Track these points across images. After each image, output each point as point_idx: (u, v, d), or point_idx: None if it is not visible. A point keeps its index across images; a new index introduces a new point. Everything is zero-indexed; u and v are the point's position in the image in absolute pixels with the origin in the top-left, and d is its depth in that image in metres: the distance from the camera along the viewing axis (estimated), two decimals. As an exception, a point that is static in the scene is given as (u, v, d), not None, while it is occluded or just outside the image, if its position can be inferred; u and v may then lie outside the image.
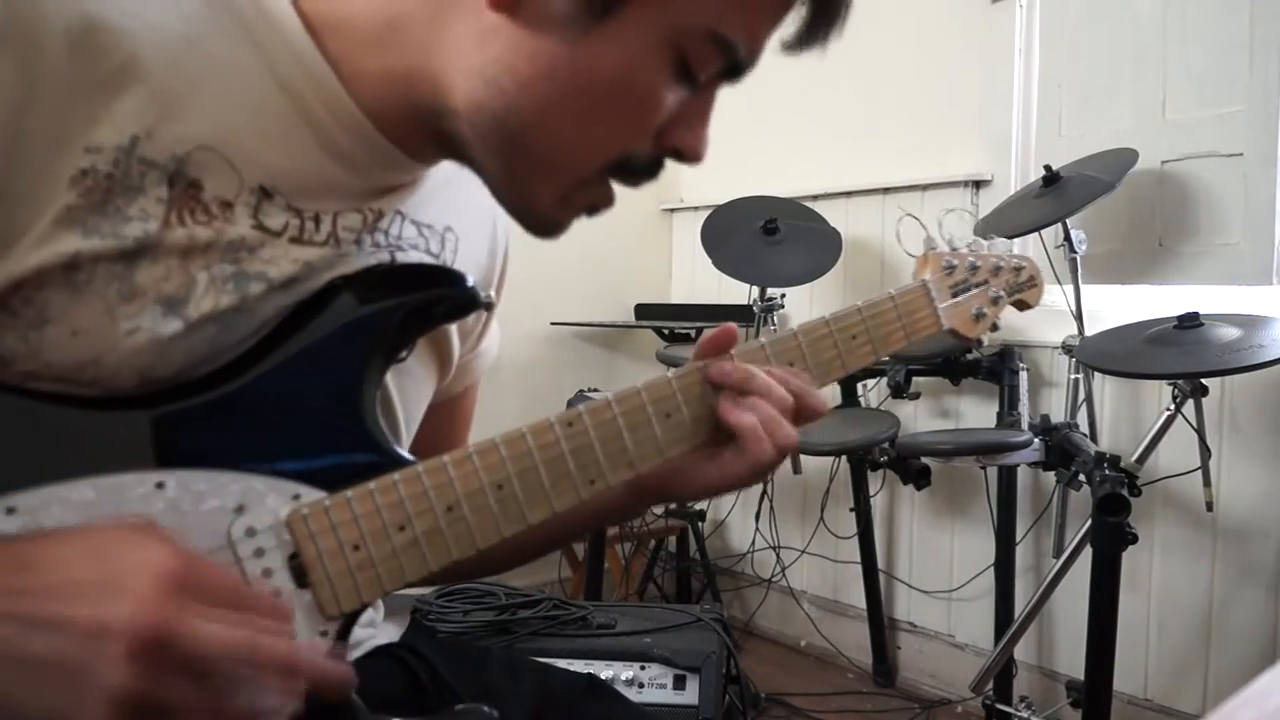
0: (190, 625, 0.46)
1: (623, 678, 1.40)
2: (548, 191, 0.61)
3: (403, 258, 0.67)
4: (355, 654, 0.75)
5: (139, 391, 0.56)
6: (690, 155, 0.61)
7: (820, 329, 0.72)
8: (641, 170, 0.62)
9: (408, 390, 0.71)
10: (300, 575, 0.56)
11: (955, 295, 0.79)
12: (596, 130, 0.58)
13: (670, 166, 0.63)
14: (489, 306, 0.64)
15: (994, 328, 0.82)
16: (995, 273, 0.81)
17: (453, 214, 0.72)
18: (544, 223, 0.63)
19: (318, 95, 0.58)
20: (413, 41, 0.58)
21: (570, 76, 0.55)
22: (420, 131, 0.61)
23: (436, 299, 0.63)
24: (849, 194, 2.62)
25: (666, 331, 2.76)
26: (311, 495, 0.57)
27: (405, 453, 0.61)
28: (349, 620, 0.58)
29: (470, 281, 0.64)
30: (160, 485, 0.54)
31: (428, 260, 0.69)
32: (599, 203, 0.63)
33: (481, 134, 0.58)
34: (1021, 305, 0.84)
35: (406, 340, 0.64)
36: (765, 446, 0.65)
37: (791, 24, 0.59)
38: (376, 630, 0.80)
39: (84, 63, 0.51)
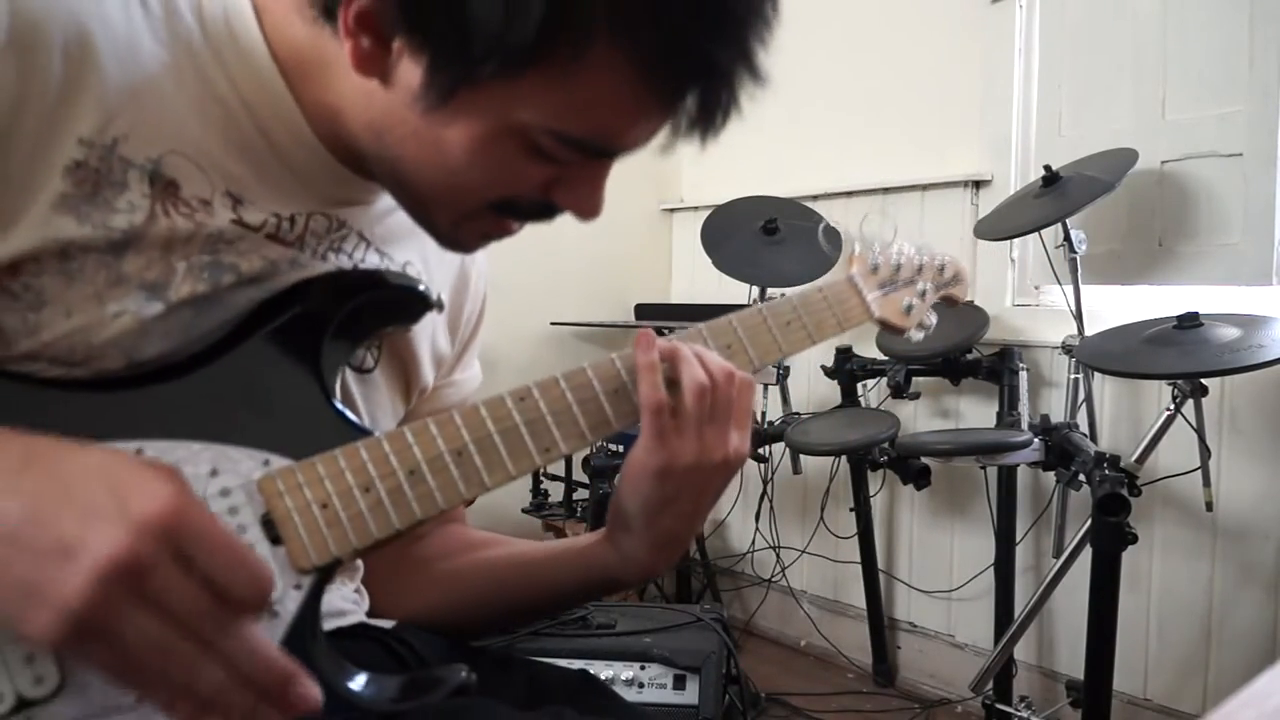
0: (161, 572, 0.47)
1: (623, 678, 1.40)
2: (441, 220, 0.66)
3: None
4: (336, 624, 0.78)
5: (123, 374, 0.60)
6: (579, 216, 0.65)
7: (755, 317, 0.78)
8: (530, 213, 0.66)
9: (372, 399, 0.75)
10: (273, 533, 0.60)
11: (883, 289, 0.85)
12: (464, 186, 0.62)
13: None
14: (440, 308, 0.71)
15: (924, 324, 0.87)
16: (919, 270, 0.87)
17: (416, 253, 0.77)
18: (447, 243, 0.68)
19: (277, 117, 0.63)
20: (335, 84, 0.62)
21: (430, 144, 0.60)
22: (360, 158, 0.65)
23: (389, 301, 0.68)
24: (849, 194, 2.62)
25: (666, 331, 2.76)
26: (281, 462, 0.61)
27: (367, 425, 0.65)
28: (323, 575, 0.61)
29: (421, 287, 0.69)
30: (139, 452, 0.58)
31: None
32: (494, 233, 0.67)
33: (380, 173, 0.64)
34: (950, 301, 0.90)
35: (362, 336, 0.70)
36: (697, 372, 0.69)
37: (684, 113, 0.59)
38: (358, 607, 0.83)
39: (73, 70, 0.56)
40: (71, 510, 0.47)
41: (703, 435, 0.69)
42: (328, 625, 0.63)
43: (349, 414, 0.65)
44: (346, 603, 0.81)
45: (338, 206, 0.69)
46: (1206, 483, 1.69)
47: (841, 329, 0.82)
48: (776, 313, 0.78)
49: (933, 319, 0.88)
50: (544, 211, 0.65)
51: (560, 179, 0.62)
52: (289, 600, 0.60)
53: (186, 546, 0.48)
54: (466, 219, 0.65)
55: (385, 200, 0.72)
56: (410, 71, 0.57)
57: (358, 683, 0.63)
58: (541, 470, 2.24)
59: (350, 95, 0.62)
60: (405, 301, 0.69)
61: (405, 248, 0.76)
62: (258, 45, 0.62)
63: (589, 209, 0.64)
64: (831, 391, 2.40)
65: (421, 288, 0.69)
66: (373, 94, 0.60)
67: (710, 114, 0.59)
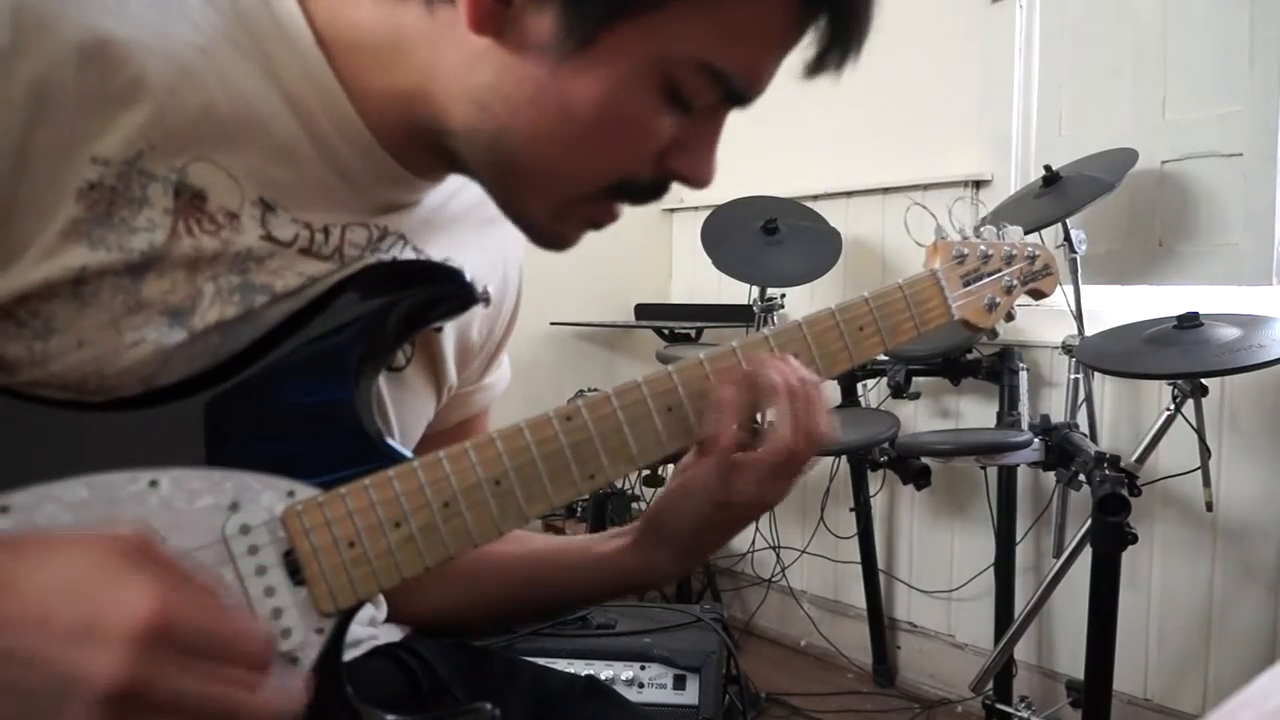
0: (164, 684, 0.45)
1: (623, 678, 1.39)
2: (541, 207, 0.61)
3: None
4: (355, 653, 0.75)
5: (138, 394, 0.56)
6: (694, 182, 0.61)
7: (826, 320, 0.69)
8: (643, 192, 0.61)
9: (403, 400, 0.71)
10: (295, 572, 0.56)
11: (966, 284, 0.76)
12: (586, 155, 0.57)
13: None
14: (486, 301, 0.65)
15: (1009, 317, 0.80)
16: (1008, 261, 0.79)
17: (457, 249, 0.71)
18: (543, 236, 0.63)
19: (324, 110, 0.58)
20: (414, 62, 0.58)
21: (556, 102, 0.55)
22: (424, 149, 0.61)
23: (432, 295, 0.63)
24: (849, 194, 2.62)
25: (666, 331, 2.76)
26: (306, 492, 0.56)
27: (402, 449, 0.60)
28: (345, 617, 0.58)
29: (468, 277, 0.63)
30: (154, 483, 0.54)
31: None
32: (600, 219, 0.63)
33: (477, 154, 0.59)
34: (1036, 294, 0.82)
35: (402, 337, 0.64)
36: (787, 434, 0.63)
37: (806, 50, 0.57)
38: (377, 630, 0.80)
39: (94, 77, 0.51)
40: (53, 640, 0.43)
41: (769, 483, 0.65)
42: (345, 656, 0.60)
43: (382, 436, 0.60)
44: (361, 627, 0.77)
45: (379, 214, 0.64)
46: (1206, 483, 1.69)
47: (917, 332, 0.73)
48: (850, 316, 0.70)
49: (1016, 311, 0.80)
50: (655, 190, 0.61)
51: (676, 142, 0.59)
52: (309, 647, 0.56)
53: (181, 641, 0.45)
54: (576, 203, 0.60)
55: (431, 199, 0.68)
56: (538, 22, 0.53)
57: None
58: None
59: (443, 67, 0.57)
60: (450, 295, 0.63)
61: (447, 240, 0.70)
62: (303, 33, 0.57)
63: (705, 172, 0.60)
64: (831, 391, 2.39)
65: (468, 277, 0.63)
66: (481, 59, 0.55)
67: (846, 35, 0.56)
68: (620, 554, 0.76)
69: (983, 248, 0.78)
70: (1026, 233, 0.84)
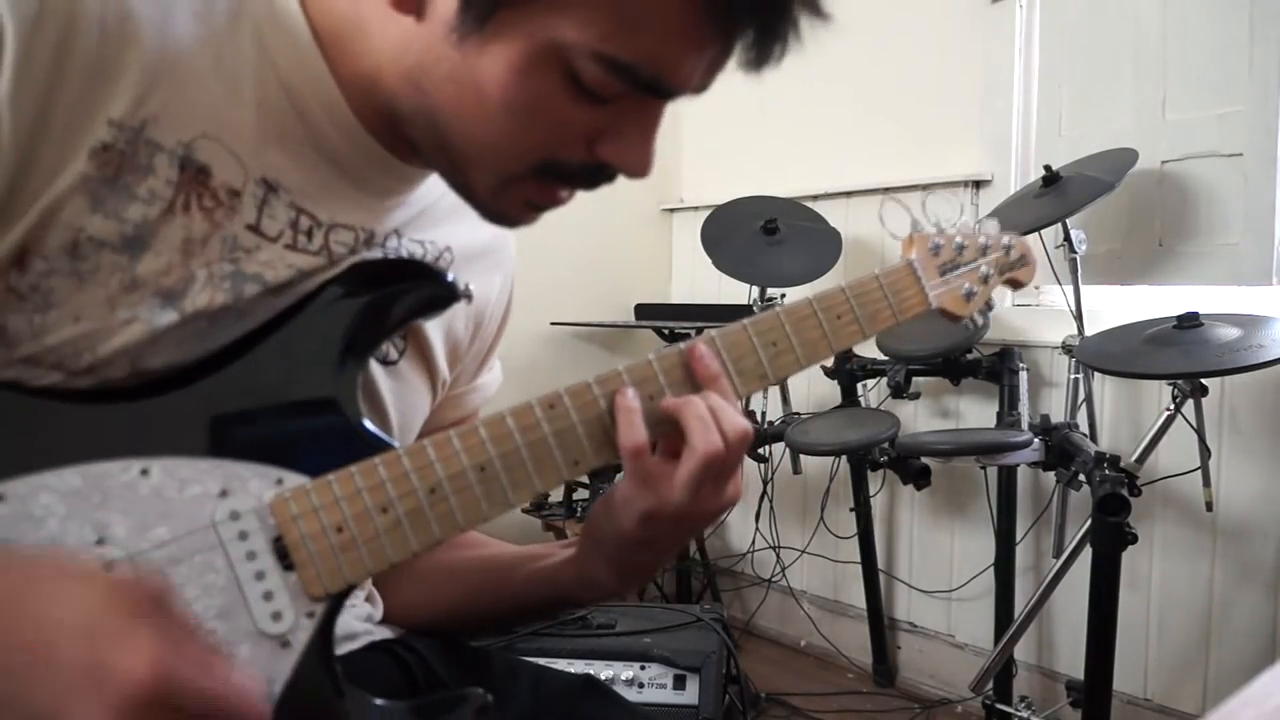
0: None
1: (623, 678, 1.40)
2: (480, 183, 0.61)
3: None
4: (352, 646, 0.76)
5: (127, 383, 0.58)
6: (627, 171, 0.60)
7: (804, 309, 0.70)
8: (578, 177, 0.61)
9: (400, 393, 0.72)
10: (284, 557, 0.57)
11: (943, 274, 0.78)
12: (504, 135, 0.58)
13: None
14: (468, 298, 0.66)
15: (988, 306, 0.81)
16: (983, 252, 0.80)
17: (454, 238, 0.73)
18: (489, 213, 0.64)
19: (315, 96, 0.60)
20: (372, 44, 0.60)
21: (468, 82, 0.56)
22: (398, 133, 0.62)
23: (413, 291, 0.64)
24: (849, 194, 2.62)
25: (666, 331, 2.76)
26: (294, 480, 0.58)
27: (387, 437, 0.62)
28: (336, 600, 0.59)
29: (449, 276, 0.65)
30: (145, 472, 0.55)
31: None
32: (539, 200, 0.63)
33: (421, 134, 0.60)
34: (1014, 284, 0.83)
35: (387, 332, 0.66)
36: (713, 435, 0.62)
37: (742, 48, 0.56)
38: (373, 626, 0.80)
39: (111, 47, 0.54)
40: (52, 680, 0.43)
41: (699, 491, 0.63)
42: (340, 649, 0.60)
43: (367, 424, 0.61)
44: (358, 621, 0.78)
45: (372, 218, 0.66)
46: (1206, 483, 1.69)
47: (896, 321, 0.74)
48: (827, 305, 0.71)
49: (995, 300, 0.81)
50: (593, 175, 0.61)
51: (607, 129, 0.58)
52: (300, 630, 0.57)
53: (177, 706, 0.45)
54: (508, 183, 0.60)
55: (421, 191, 0.69)
56: (444, 1, 0.55)
57: (373, 711, 0.60)
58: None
59: (388, 49, 0.58)
60: (432, 292, 0.65)
61: (445, 234, 0.72)
62: (296, 17, 0.59)
63: (638, 162, 0.59)
64: (831, 391, 2.40)
65: (450, 276, 0.65)
66: (410, 37, 0.57)
67: (767, 50, 0.55)
68: (558, 568, 0.75)
69: (958, 239, 0.79)
70: (1026, 233, 0.84)
